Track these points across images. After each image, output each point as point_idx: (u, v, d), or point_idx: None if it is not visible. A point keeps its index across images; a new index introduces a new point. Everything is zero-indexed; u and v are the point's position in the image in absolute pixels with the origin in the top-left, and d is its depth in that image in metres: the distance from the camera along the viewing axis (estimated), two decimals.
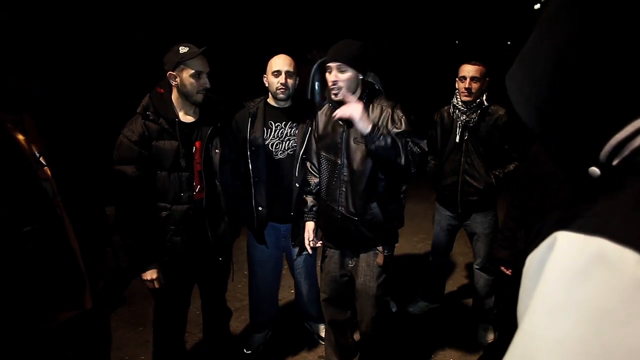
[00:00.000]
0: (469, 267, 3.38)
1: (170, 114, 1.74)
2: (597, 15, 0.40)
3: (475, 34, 7.91)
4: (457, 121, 2.25)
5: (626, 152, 0.40)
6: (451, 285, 3.07)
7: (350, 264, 1.91)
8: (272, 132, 2.05)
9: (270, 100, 2.08)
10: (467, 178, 2.27)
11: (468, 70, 2.17)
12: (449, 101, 2.32)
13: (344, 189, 1.77)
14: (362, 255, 1.86)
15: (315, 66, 7.00)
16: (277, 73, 1.97)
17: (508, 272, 1.95)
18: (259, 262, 2.26)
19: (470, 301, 2.78)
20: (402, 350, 2.39)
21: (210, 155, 1.84)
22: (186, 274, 1.89)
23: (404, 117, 1.66)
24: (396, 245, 1.94)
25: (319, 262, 2.61)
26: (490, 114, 2.20)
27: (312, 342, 2.49)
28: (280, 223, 2.18)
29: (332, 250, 1.95)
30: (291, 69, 1.99)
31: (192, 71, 1.69)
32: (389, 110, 1.68)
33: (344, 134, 1.75)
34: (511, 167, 2.24)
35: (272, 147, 2.05)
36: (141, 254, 1.73)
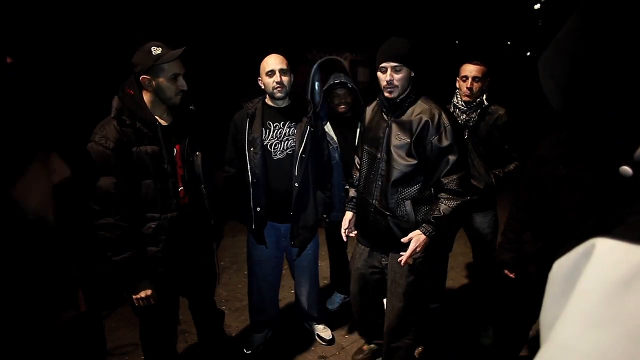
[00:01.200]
0: (469, 267, 3.38)
1: (148, 116, 1.61)
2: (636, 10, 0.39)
3: (475, 34, 7.91)
4: (457, 120, 2.25)
5: None
6: (451, 285, 3.07)
7: (384, 261, 1.91)
8: (271, 133, 2.05)
9: (268, 101, 2.07)
10: None
11: (470, 70, 2.16)
12: (449, 101, 2.32)
13: (379, 183, 1.78)
14: (392, 254, 1.85)
15: (315, 66, 7.00)
16: (271, 73, 1.95)
17: (512, 276, 1.94)
18: (258, 262, 2.26)
19: (470, 301, 2.77)
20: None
21: (191, 159, 1.77)
22: (175, 283, 1.80)
23: (449, 125, 1.66)
24: None
25: (320, 263, 2.62)
26: (490, 113, 2.20)
27: (312, 342, 2.49)
28: (280, 223, 2.17)
29: (363, 247, 1.96)
30: (284, 67, 1.97)
31: (169, 75, 1.58)
32: (436, 114, 1.67)
33: (387, 129, 1.76)
34: (511, 166, 2.23)
35: (270, 148, 2.05)
36: (132, 270, 1.60)
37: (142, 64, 1.56)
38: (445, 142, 1.65)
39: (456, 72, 2.24)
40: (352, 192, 2.03)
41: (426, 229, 1.68)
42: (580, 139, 0.51)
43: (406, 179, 1.72)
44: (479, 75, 2.15)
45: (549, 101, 0.49)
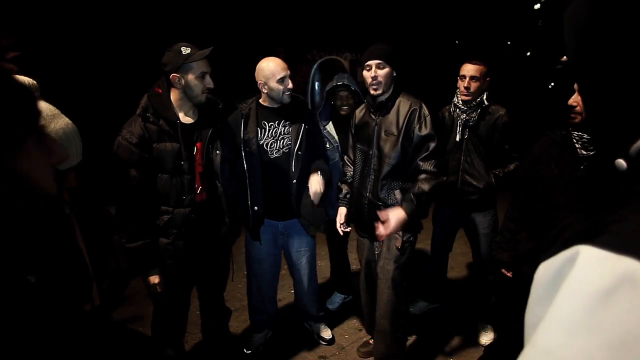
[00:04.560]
0: (469, 267, 3.38)
1: (171, 115, 1.71)
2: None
3: (475, 34, 7.90)
4: (458, 120, 2.25)
5: None
6: (451, 285, 3.07)
7: (377, 250, 2.01)
8: (266, 132, 2.08)
9: (263, 101, 2.09)
10: (467, 177, 2.27)
11: (468, 69, 2.17)
12: (449, 101, 2.32)
13: (372, 177, 1.92)
14: (384, 241, 1.94)
15: (315, 66, 7.00)
16: (281, 80, 1.98)
17: (508, 275, 1.94)
18: (256, 260, 2.27)
19: (470, 301, 2.78)
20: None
21: (211, 156, 1.83)
22: (187, 277, 1.88)
23: (429, 116, 1.80)
24: None
25: (321, 263, 2.63)
26: (491, 113, 2.20)
27: (312, 342, 2.49)
28: (278, 220, 2.19)
29: (364, 239, 2.10)
30: (289, 71, 2.02)
31: (198, 73, 1.68)
32: (417, 108, 1.82)
33: (376, 127, 1.91)
34: (511, 166, 2.23)
35: (266, 147, 2.07)
36: (143, 258, 1.70)
37: (173, 63, 1.65)
38: (425, 131, 1.79)
39: (457, 72, 2.25)
40: (345, 189, 2.13)
41: (407, 207, 1.76)
42: (592, 126, 0.51)
43: (395, 170, 1.86)
44: (477, 74, 2.15)
45: (570, 62, 0.47)
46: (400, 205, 1.79)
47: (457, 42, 8.49)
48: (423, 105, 1.83)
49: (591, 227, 0.36)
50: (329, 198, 2.44)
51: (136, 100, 1.74)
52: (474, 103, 2.19)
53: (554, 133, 1.65)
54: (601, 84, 0.43)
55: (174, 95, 1.73)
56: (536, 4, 8.06)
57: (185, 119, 1.76)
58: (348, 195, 2.11)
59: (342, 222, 2.11)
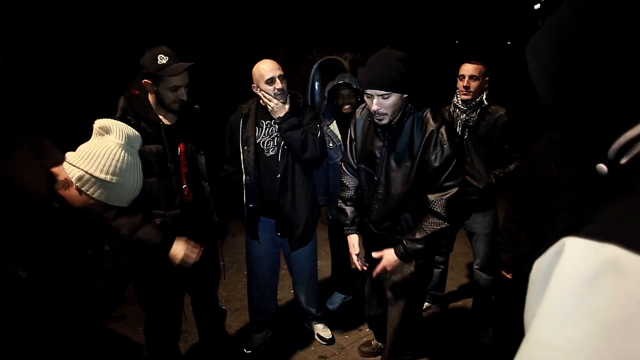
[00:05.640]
0: (469, 267, 3.38)
1: (153, 116, 1.67)
2: (604, 12, 0.40)
3: (475, 34, 7.90)
4: (457, 120, 2.25)
5: (635, 150, 0.39)
6: (451, 285, 3.07)
7: (388, 273, 1.86)
8: (263, 130, 2.10)
9: (262, 101, 2.10)
10: (467, 177, 2.26)
11: (467, 68, 2.18)
12: (449, 101, 2.33)
13: (376, 206, 1.73)
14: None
15: (315, 66, 7.00)
16: (270, 81, 1.98)
17: (508, 276, 1.94)
18: (256, 259, 2.28)
19: (470, 301, 2.77)
20: None
21: (195, 157, 1.81)
22: (179, 279, 1.84)
23: (447, 143, 1.53)
24: None
25: (321, 263, 2.63)
26: (491, 113, 2.20)
27: (312, 342, 2.49)
28: (274, 218, 2.20)
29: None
30: (281, 72, 2.02)
31: (170, 85, 1.62)
32: (435, 132, 1.54)
33: (384, 150, 1.64)
34: (512, 167, 2.23)
35: (263, 145, 2.10)
36: (142, 263, 1.68)
37: (146, 69, 1.61)
38: (439, 162, 1.54)
39: (457, 73, 2.25)
40: (350, 211, 1.86)
41: (399, 250, 1.66)
42: (567, 137, 0.53)
43: (405, 200, 1.66)
44: (476, 74, 2.16)
45: (538, 93, 0.50)
46: (396, 245, 1.67)
47: (457, 42, 8.49)
48: (442, 129, 1.53)
49: (576, 220, 0.36)
50: (331, 197, 2.44)
51: (105, 101, 1.67)
52: (473, 103, 2.20)
53: (553, 133, 1.65)
54: (576, 112, 0.44)
55: (151, 98, 1.70)
56: (536, 4, 8.05)
57: (165, 120, 1.73)
58: (357, 219, 1.85)
59: (356, 252, 1.83)
